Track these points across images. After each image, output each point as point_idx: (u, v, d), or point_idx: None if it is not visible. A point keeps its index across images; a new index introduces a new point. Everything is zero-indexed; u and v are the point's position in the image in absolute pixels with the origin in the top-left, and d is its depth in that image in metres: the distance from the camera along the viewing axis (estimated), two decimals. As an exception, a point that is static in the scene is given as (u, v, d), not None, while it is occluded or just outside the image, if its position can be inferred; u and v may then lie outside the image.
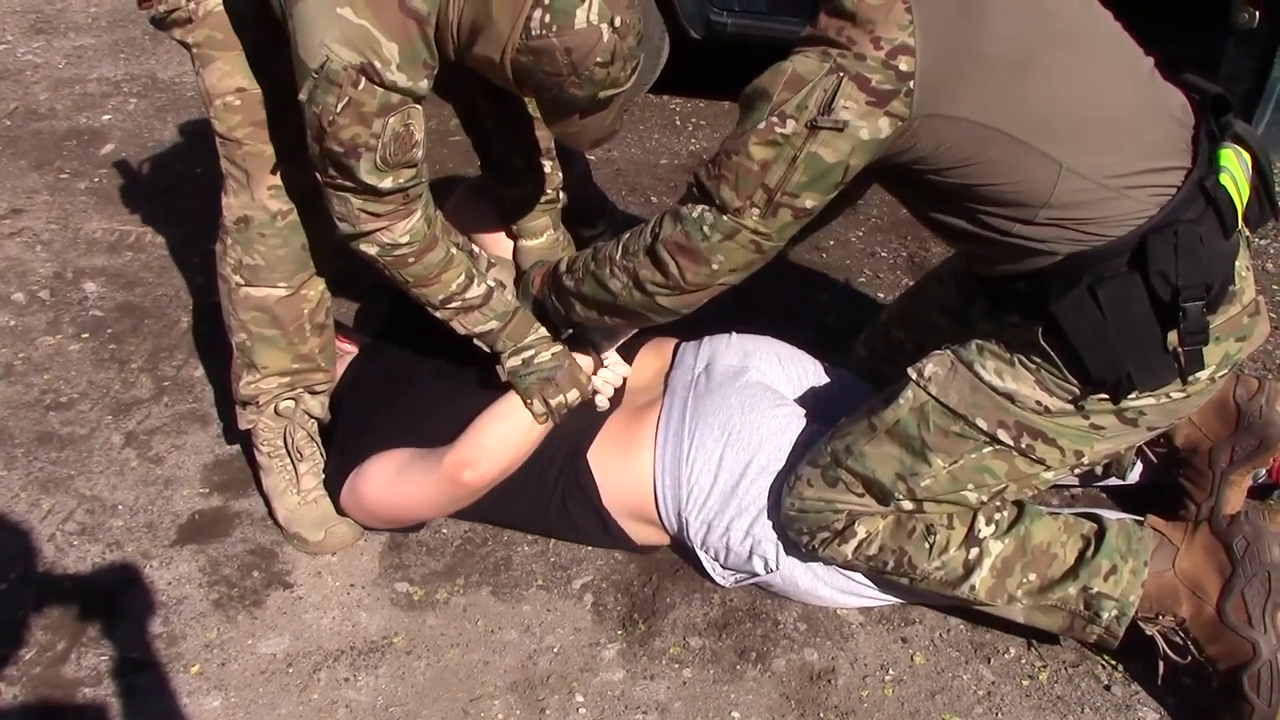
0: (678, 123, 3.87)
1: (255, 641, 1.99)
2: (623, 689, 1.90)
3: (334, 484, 2.16)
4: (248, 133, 1.96)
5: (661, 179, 3.49)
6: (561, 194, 2.41)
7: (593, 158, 3.41)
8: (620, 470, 2.08)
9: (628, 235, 1.83)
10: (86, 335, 2.75)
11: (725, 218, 1.66)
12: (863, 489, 1.86)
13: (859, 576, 1.98)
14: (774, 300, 2.78)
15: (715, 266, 1.70)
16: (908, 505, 1.84)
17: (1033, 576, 1.83)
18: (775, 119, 1.57)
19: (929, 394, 1.77)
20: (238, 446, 2.40)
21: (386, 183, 1.76)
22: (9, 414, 2.49)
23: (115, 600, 2.06)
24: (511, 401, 2.06)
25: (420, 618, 2.04)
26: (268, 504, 2.23)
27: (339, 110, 1.66)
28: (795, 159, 1.58)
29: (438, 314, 2.00)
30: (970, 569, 1.85)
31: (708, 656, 1.96)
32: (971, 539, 1.85)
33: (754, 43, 3.71)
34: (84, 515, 2.24)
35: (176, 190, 3.37)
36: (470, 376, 2.20)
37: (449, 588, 2.09)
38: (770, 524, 1.98)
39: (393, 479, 2.08)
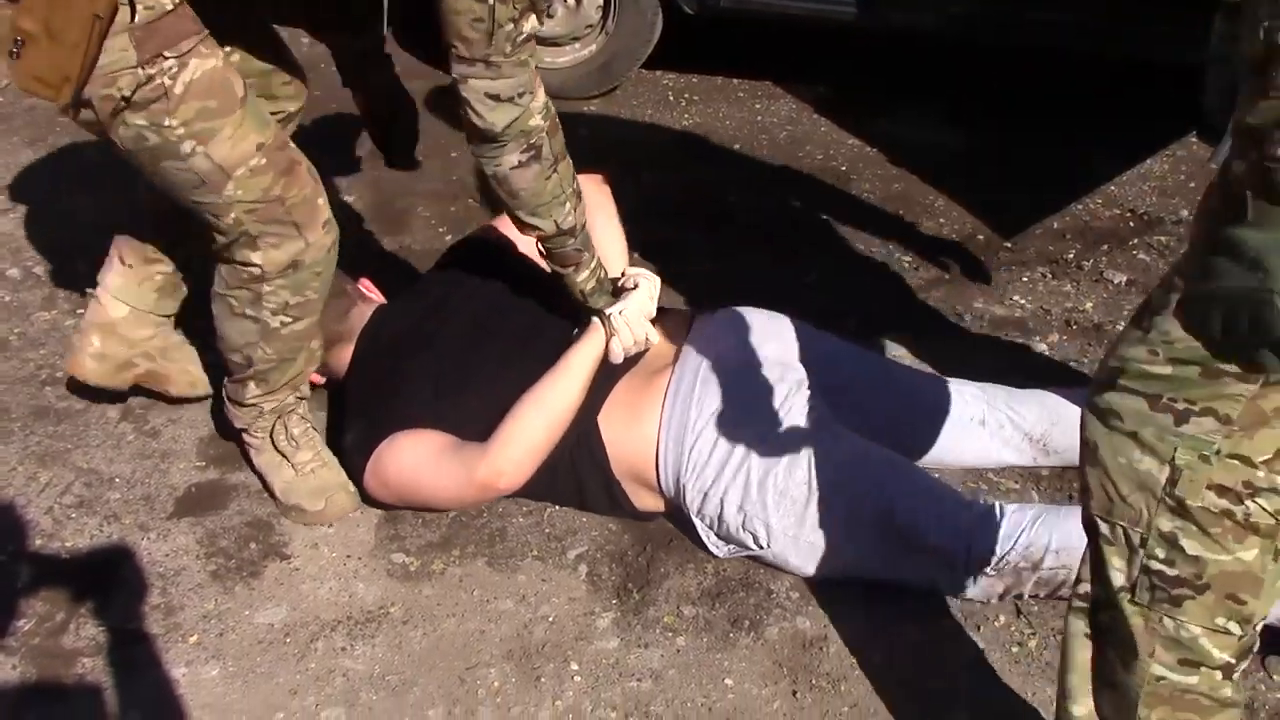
0: (670, 98, 3.87)
1: (253, 612, 2.01)
2: (617, 657, 1.92)
3: (358, 453, 2.16)
4: (285, 183, 1.91)
5: (654, 157, 3.50)
6: None
7: (584, 133, 3.42)
8: (626, 432, 2.10)
9: None
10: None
11: None
12: None
13: (849, 561, 2.00)
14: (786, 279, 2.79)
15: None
16: None
17: None
18: None
19: None
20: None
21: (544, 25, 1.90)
22: (5, 389, 2.50)
23: (113, 572, 2.08)
24: (542, 392, 2.10)
25: (416, 588, 2.05)
26: (262, 479, 2.24)
27: None
28: None
29: (564, 208, 2.03)
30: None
31: (701, 625, 1.98)
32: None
33: (747, 18, 3.73)
34: (81, 488, 2.25)
35: (170, 167, 3.36)
36: (502, 341, 2.23)
37: (445, 559, 2.11)
38: (763, 501, 2.00)
39: (422, 467, 2.09)
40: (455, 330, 2.26)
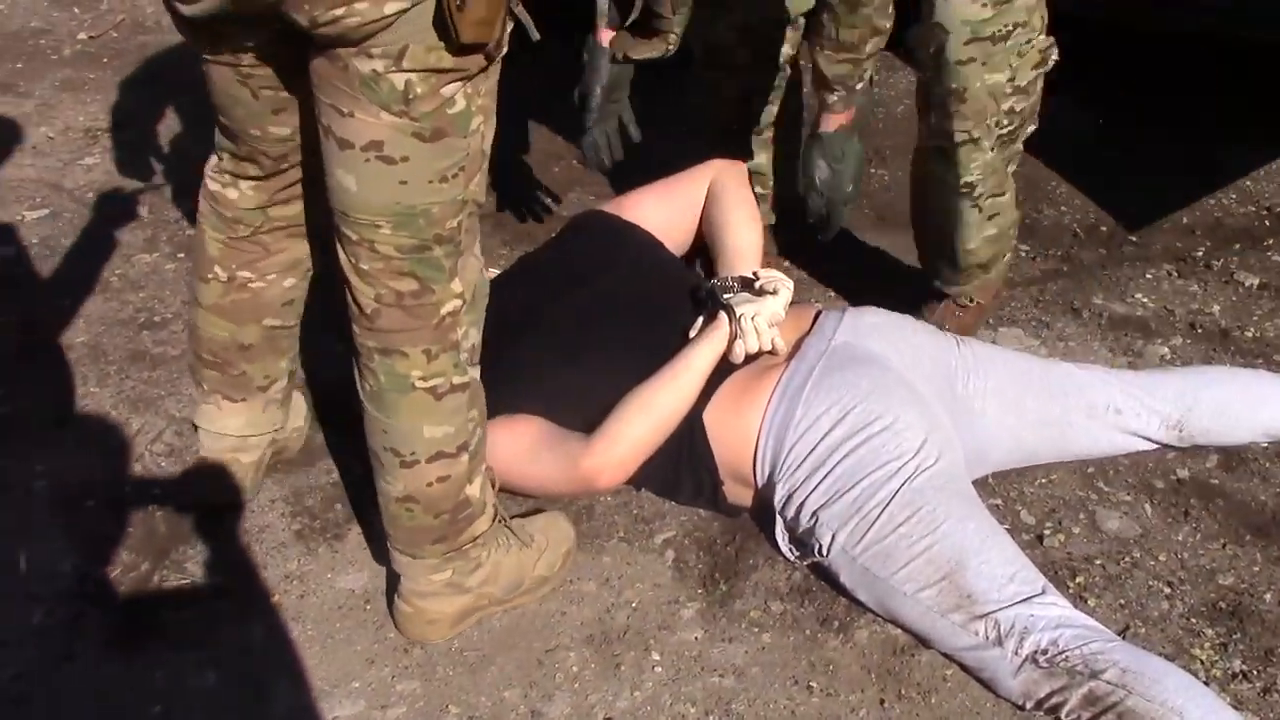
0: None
1: (335, 576, 1.99)
2: (700, 649, 1.86)
3: None
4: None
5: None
6: None
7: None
8: (728, 423, 2.03)
9: None
10: (182, 255, 2.75)
11: None
12: None
13: (898, 604, 1.87)
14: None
15: None
16: None
17: None
18: None
19: None
20: (325, 374, 2.39)
21: None
22: (104, 330, 2.51)
23: (199, 525, 2.07)
24: (655, 393, 2.02)
25: (499, 563, 2.02)
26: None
27: None
28: None
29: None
30: None
31: (788, 622, 1.91)
32: None
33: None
34: (172, 436, 2.25)
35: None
36: (619, 327, 2.16)
37: (530, 534, 2.07)
38: (837, 512, 1.91)
39: (519, 458, 2.03)
40: (570, 311, 2.20)
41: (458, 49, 1.42)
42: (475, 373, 1.72)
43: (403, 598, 1.84)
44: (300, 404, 2.23)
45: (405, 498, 1.73)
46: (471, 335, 1.69)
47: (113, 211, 2.89)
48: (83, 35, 3.73)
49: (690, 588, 1.97)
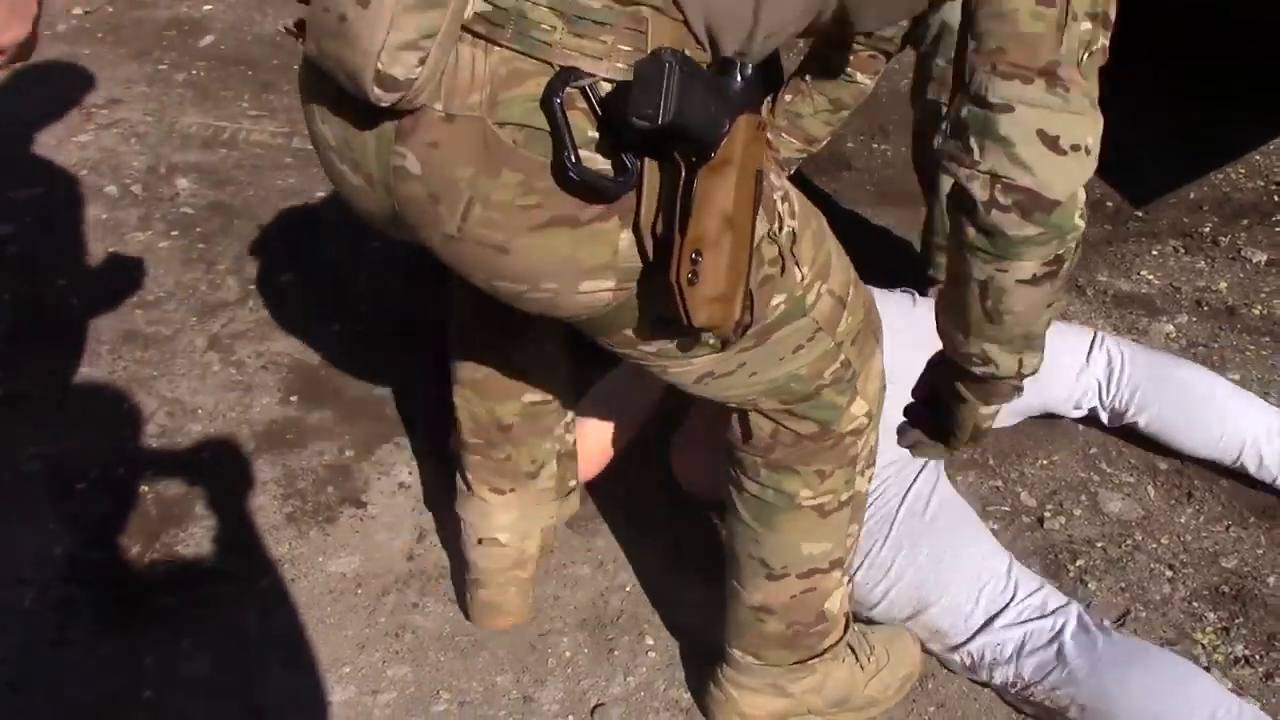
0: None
1: (326, 559, 1.97)
2: (696, 638, 1.84)
3: None
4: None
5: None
6: None
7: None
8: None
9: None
10: (176, 233, 2.72)
11: None
12: None
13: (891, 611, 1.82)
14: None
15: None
16: None
17: None
18: None
19: None
20: (319, 356, 2.37)
21: None
22: (97, 309, 2.48)
23: (190, 507, 2.05)
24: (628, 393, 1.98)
25: (493, 546, 1.99)
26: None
27: None
28: None
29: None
30: None
31: (785, 607, 1.89)
32: None
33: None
34: (164, 418, 2.22)
35: (274, 88, 3.32)
36: None
37: (523, 517, 2.05)
38: None
39: None
40: None
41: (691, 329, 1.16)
42: (864, 481, 1.52)
43: (717, 681, 1.68)
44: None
45: (760, 607, 1.57)
46: (869, 440, 1.49)
47: (106, 189, 2.85)
48: (78, 10, 3.68)
49: (689, 573, 1.94)
